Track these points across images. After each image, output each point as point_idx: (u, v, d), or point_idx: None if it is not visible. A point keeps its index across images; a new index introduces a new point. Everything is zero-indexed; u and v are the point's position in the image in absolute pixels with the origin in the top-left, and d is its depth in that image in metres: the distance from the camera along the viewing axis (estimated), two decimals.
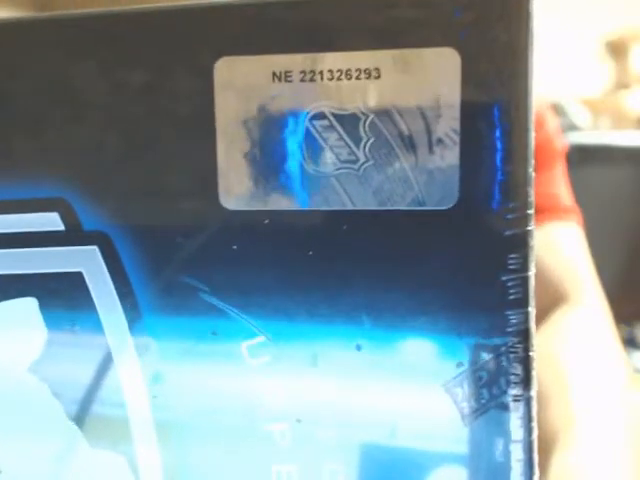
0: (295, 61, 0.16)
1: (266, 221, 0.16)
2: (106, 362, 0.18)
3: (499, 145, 0.15)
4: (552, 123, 0.45)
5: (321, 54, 0.16)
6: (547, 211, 0.42)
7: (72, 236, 0.17)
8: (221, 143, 0.16)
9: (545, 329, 0.40)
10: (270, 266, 0.17)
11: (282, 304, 0.17)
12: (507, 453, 0.16)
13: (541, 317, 0.40)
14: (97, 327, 0.18)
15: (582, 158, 0.84)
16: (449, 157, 0.15)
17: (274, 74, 0.16)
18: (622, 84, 1.82)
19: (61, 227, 0.18)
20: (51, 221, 0.18)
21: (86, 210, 0.17)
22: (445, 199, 0.16)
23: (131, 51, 0.17)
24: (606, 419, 0.33)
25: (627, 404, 0.35)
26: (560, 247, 0.42)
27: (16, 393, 0.19)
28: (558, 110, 1.42)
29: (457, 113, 0.15)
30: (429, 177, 0.16)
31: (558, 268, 0.41)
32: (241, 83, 0.16)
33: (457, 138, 0.15)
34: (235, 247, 0.17)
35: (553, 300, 0.41)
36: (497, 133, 0.15)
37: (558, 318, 0.40)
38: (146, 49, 0.16)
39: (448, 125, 0.15)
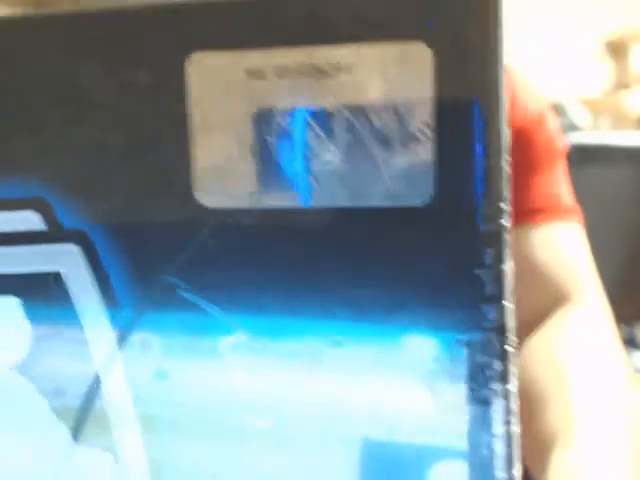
0: (269, 57, 0.16)
1: (246, 221, 0.16)
2: (88, 359, 0.18)
3: (473, 141, 0.15)
4: (553, 123, 0.44)
5: (294, 50, 0.15)
6: (548, 211, 0.42)
7: (52, 235, 0.17)
8: (196, 140, 0.16)
9: (546, 329, 0.40)
10: (247, 264, 0.17)
11: (262, 302, 0.17)
12: (487, 446, 0.16)
13: (542, 317, 0.40)
14: (78, 324, 0.18)
15: (582, 158, 0.84)
16: (423, 153, 0.15)
17: (248, 71, 0.16)
18: (622, 84, 1.82)
19: (42, 226, 0.18)
20: (31, 220, 0.18)
21: (66, 209, 0.17)
22: (420, 195, 0.16)
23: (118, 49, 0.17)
24: (606, 419, 0.33)
25: (627, 404, 0.35)
26: (561, 247, 0.42)
27: (1, 390, 0.19)
28: (558, 110, 1.42)
29: (430, 109, 0.15)
30: (403, 173, 0.16)
31: (559, 268, 0.41)
32: (215, 80, 0.16)
33: (430, 134, 0.15)
34: (212, 243, 0.17)
35: (554, 300, 0.41)
36: (471, 128, 0.15)
37: (559, 318, 0.40)
38: (137, 47, 0.16)
39: (421, 121, 0.15)
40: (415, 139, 0.15)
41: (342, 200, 0.16)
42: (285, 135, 0.16)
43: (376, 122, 0.15)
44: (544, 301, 0.41)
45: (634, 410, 0.35)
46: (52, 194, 0.17)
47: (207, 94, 0.16)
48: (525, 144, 0.42)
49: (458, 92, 0.15)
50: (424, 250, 0.16)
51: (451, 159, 0.15)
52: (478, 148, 0.15)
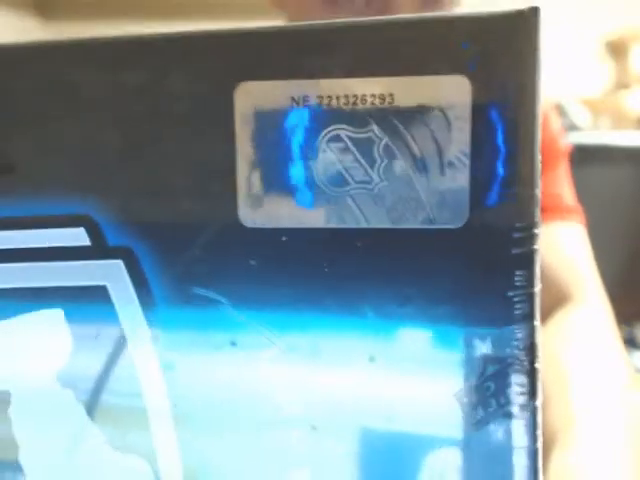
0: (313, 86, 0.16)
1: (284, 238, 0.17)
2: (128, 368, 0.18)
3: (507, 167, 0.16)
4: (556, 123, 0.45)
5: (338, 80, 0.16)
6: (550, 211, 0.42)
7: (97, 251, 0.18)
8: (241, 165, 0.17)
9: (547, 328, 0.40)
10: (286, 282, 0.17)
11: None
12: (512, 460, 0.17)
13: (544, 316, 0.41)
14: (120, 337, 0.18)
15: (582, 158, 0.84)
16: (460, 179, 0.16)
17: (293, 98, 0.16)
18: (622, 84, 1.82)
19: (87, 242, 0.18)
20: (77, 236, 0.18)
21: (110, 225, 0.18)
22: (456, 219, 0.16)
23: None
24: (606, 419, 0.33)
25: (627, 404, 0.35)
26: (563, 246, 0.42)
27: (42, 400, 0.19)
28: (558, 110, 1.42)
29: (467, 137, 0.16)
30: (440, 198, 0.16)
31: (561, 267, 0.41)
32: (260, 107, 0.17)
33: (467, 161, 0.16)
34: (253, 262, 0.17)
35: (556, 299, 0.41)
36: (505, 156, 0.16)
37: (560, 317, 0.40)
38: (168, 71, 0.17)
39: (458, 148, 0.16)
40: (452, 166, 0.16)
41: (382, 223, 0.17)
42: (325, 159, 0.17)
43: (414, 149, 0.16)
44: (545, 301, 0.41)
45: (634, 410, 0.35)
46: (96, 209, 0.18)
47: (254, 122, 0.17)
48: None
49: (494, 123, 0.16)
50: (456, 271, 0.16)
51: (485, 185, 0.16)
52: (511, 176, 0.16)
